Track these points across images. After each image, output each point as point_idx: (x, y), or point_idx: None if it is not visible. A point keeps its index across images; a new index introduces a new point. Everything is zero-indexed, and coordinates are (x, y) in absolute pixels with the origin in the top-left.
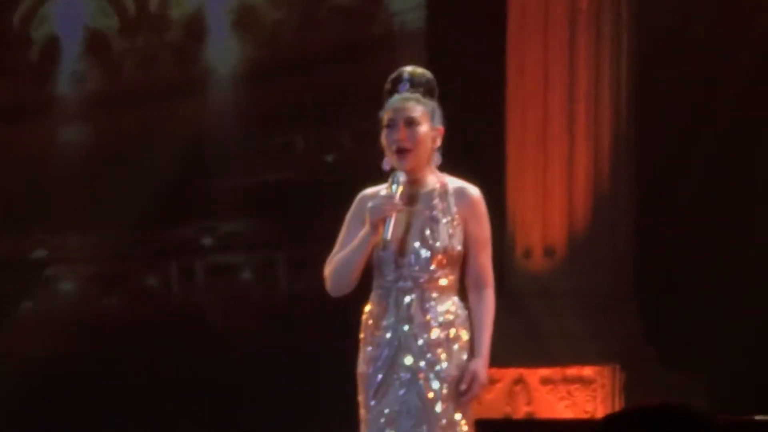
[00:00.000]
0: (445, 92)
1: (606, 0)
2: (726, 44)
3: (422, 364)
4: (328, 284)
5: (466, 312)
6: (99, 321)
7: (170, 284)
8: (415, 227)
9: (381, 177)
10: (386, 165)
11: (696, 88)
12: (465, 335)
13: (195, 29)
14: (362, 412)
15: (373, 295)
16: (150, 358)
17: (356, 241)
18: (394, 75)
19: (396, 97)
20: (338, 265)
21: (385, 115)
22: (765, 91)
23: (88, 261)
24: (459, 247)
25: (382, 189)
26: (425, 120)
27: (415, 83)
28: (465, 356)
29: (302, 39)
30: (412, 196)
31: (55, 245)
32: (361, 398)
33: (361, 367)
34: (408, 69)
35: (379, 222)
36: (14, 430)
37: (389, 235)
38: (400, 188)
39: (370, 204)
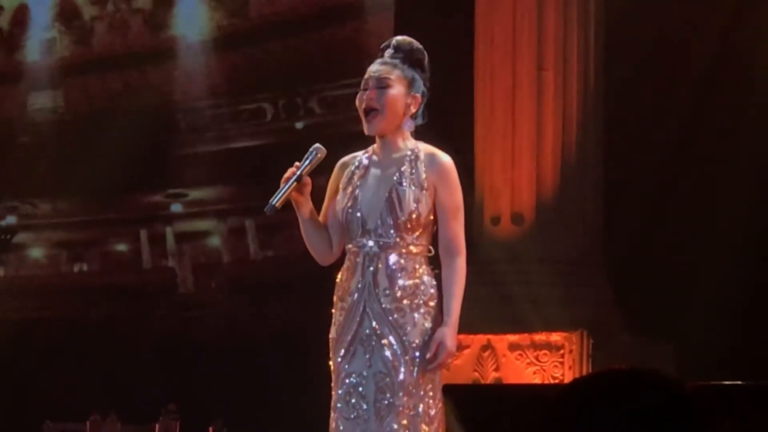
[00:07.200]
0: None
1: None
2: (698, 14)
3: (386, 329)
4: None
5: (434, 280)
6: (69, 287)
7: (140, 250)
8: (382, 192)
9: (351, 144)
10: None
11: (664, 56)
12: (431, 303)
13: None
14: (333, 375)
15: (345, 260)
16: (119, 324)
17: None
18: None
19: (376, 61)
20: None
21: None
22: (732, 57)
23: (57, 227)
24: (426, 214)
25: (359, 154)
26: (400, 84)
27: (399, 49)
28: (429, 324)
29: (273, 6)
30: (381, 161)
31: (25, 212)
32: (331, 361)
33: (332, 331)
34: (398, 37)
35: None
36: None
37: (276, 202)
38: (313, 163)
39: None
